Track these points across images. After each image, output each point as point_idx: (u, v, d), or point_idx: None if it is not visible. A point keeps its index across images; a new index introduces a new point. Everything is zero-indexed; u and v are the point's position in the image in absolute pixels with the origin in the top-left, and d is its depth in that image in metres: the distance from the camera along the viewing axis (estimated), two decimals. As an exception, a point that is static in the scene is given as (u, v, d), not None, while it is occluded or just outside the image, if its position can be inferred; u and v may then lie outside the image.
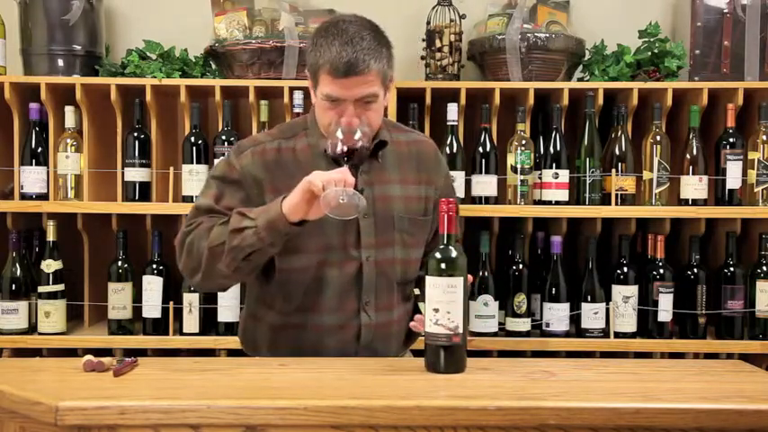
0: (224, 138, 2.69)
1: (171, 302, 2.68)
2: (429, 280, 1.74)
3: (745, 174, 2.69)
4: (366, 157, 1.94)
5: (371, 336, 2.03)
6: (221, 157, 2.09)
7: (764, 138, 2.66)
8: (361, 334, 2.02)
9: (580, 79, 2.88)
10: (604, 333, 2.69)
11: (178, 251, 2.02)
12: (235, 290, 2.63)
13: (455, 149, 2.68)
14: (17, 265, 2.70)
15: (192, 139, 2.71)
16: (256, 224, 1.84)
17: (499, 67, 2.74)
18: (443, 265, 1.73)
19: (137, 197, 2.72)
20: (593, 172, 2.69)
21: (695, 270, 2.69)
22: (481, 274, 2.65)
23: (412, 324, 1.98)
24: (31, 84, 2.70)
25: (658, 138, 2.69)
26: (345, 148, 1.86)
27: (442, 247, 1.75)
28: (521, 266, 2.71)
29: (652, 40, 2.76)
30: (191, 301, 2.69)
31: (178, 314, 2.70)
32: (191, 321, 2.69)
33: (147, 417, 1.49)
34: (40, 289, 2.69)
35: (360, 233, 2.00)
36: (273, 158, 2.01)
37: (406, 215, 2.05)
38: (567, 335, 2.70)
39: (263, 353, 2.08)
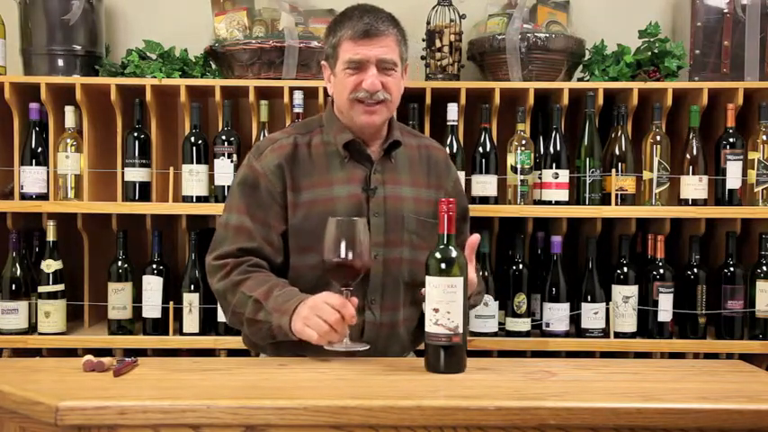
0: (224, 138, 2.69)
1: (171, 302, 2.68)
2: (429, 280, 1.74)
3: (745, 174, 2.68)
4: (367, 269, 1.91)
5: (375, 335, 2.03)
6: (244, 160, 2.13)
7: (764, 138, 2.66)
8: (365, 332, 2.03)
9: (580, 79, 2.88)
10: (604, 333, 2.69)
11: (213, 290, 2.08)
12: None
13: (455, 149, 2.68)
14: (17, 265, 2.70)
15: (192, 139, 2.71)
16: (270, 322, 1.89)
17: (499, 67, 2.74)
18: (443, 265, 1.73)
19: (137, 197, 2.72)
20: (593, 172, 2.69)
21: (695, 270, 2.69)
22: (481, 274, 2.65)
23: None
24: (31, 84, 2.70)
25: (658, 138, 2.69)
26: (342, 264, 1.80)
27: (441, 247, 1.75)
28: (521, 266, 2.71)
29: (652, 40, 2.76)
30: (191, 301, 2.69)
31: (178, 314, 2.70)
32: (191, 321, 2.69)
33: (147, 417, 1.49)
34: (40, 289, 2.69)
35: (369, 231, 2.01)
36: (290, 153, 2.05)
37: (415, 216, 2.07)
38: (567, 335, 2.70)
39: (268, 351, 2.09)
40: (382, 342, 2.05)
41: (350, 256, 1.79)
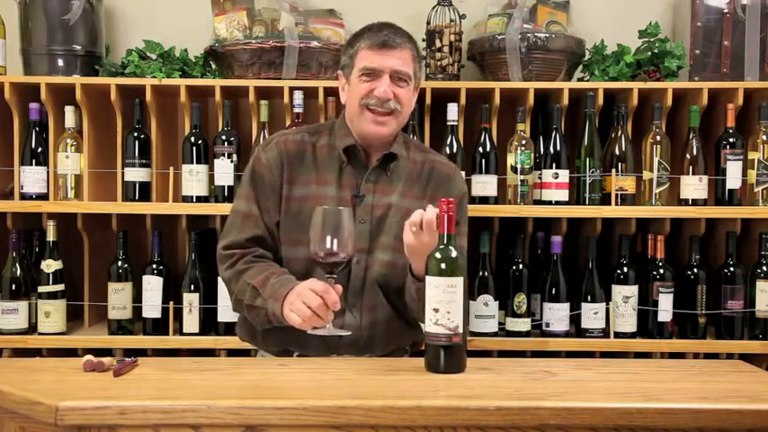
0: (224, 138, 2.69)
1: (171, 302, 2.68)
2: (429, 280, 1.74)
3: (745, 174, 2.68)
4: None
5: (356, 336, 2.06)
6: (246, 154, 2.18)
7: (764, 138, 2.66)
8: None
9: (580, 79, 2.88)
10: (604, 333, 2.69)
11: (221, 277, 2.17)
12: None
13: (455, 149, 2.68)
14: (17, 265, 2.70)
15: (192, 139, 2.71)
16: (266, 308, 1.97)
17: (499, 67, 2.74)
18: (443, 265, 1.73)
19: (137, 197, 2.72)
20: (593, 172, 2.69)
21: (695, 270, 2.69)
22: (481, 274, 2.65)
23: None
24: (31, 84, 2.70)
25: (658, 138, 2.68)
26: (323, 255, 1.85)
27: (441, 247, 1.75)
28: (521, 266, 2.71)
29: (652, 40, 2.75)
30: (191, 301, 2.69)
31: (178, 314, 2.70)
32: (191, 321, 2.69)
33: (147, 417, 1.49)
34: (40, 289, 2.69)
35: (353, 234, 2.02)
36: (295, 149, 2.12)
37: (398, 220, 2.08)
38: (567, 335, 2.70)
39: (258, 341, 2.15)
40: (362, 343, 2.08)
41: (334, 245, 1.83)
